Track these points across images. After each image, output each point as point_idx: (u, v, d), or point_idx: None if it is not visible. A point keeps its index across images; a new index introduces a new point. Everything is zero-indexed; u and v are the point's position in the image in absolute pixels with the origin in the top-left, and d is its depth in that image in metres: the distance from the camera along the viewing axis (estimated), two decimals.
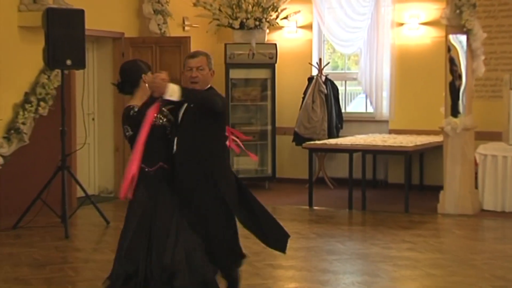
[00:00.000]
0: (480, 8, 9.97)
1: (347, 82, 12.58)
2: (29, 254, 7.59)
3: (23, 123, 9.22)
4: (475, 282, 6.58)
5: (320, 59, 12.18)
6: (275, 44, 12.08)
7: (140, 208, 5.28)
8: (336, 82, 12.20)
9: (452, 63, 9.73)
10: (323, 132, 11.75)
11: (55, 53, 8.61)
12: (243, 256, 5.58)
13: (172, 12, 11.19)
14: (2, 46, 9.12)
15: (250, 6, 11.81)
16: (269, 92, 12.07)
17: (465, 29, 9.54)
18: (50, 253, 7.65)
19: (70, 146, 9.70)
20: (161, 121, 5.36)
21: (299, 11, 12.16)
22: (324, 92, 11.85)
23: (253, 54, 11.83)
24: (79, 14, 8.91)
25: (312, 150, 10.58)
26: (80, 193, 9.59)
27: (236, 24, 11.81)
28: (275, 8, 11.93)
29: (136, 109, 5.34)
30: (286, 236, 5.60)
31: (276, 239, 5.61)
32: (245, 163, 11.74)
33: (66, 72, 9.12)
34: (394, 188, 11.22)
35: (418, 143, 10.25)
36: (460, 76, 9.71)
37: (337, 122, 12.02)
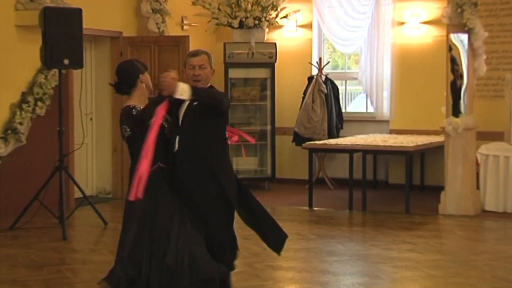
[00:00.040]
0: (481, 7, 9.92)
1: (347, 81, 12.54)
2: (27, 255, 7.55)
3: (20, 123, 9.18)
4: (476, 283, 6.56)
5: (320, 59, 12.13)
6: (275, 44, 12.02)
7: (140, 209, 5.25)
8: (336, 82, 12.15)
9: (453, 63, 9.71)
10: (323, 132, 11.70)
11: (52, 52, 8.57)
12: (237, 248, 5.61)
13: (170, 11, 11.13)
14: None
15: (249, 5, 11.77)
16: (268, 92, 12.02)
17: (466, 28, 9.50)
18: (47, 254, 7.61)
19: (68, 146, 9.64)
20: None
21: (299, 10, 12.11)
22: (324, 92, 11.80)
23: (253, 53, 11.77)
24: (77, 13, 8.88)
25: (312, 150, 10.54)
26: (78, 194, 9.53)
27: (235, 23, 11.75)
28: (274, 7, 11.87)
29: (137, 109, 5.33)
30: (284, 236, 5.61)
31: (275, 239, 5.62)
32: (245, 163, 11.70)
33: (63, 71, 9.08)
34: (395, 188, 11.18)
35: (419, 143, 10.22)
36: (461, 76, 9.69)
37: (337, 122, 11.97)
